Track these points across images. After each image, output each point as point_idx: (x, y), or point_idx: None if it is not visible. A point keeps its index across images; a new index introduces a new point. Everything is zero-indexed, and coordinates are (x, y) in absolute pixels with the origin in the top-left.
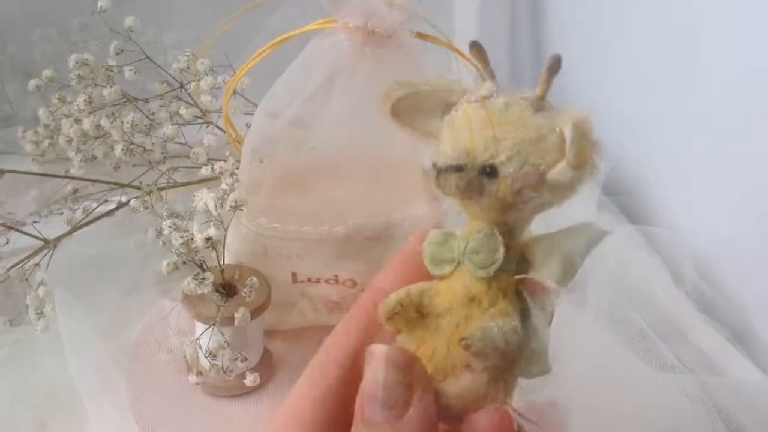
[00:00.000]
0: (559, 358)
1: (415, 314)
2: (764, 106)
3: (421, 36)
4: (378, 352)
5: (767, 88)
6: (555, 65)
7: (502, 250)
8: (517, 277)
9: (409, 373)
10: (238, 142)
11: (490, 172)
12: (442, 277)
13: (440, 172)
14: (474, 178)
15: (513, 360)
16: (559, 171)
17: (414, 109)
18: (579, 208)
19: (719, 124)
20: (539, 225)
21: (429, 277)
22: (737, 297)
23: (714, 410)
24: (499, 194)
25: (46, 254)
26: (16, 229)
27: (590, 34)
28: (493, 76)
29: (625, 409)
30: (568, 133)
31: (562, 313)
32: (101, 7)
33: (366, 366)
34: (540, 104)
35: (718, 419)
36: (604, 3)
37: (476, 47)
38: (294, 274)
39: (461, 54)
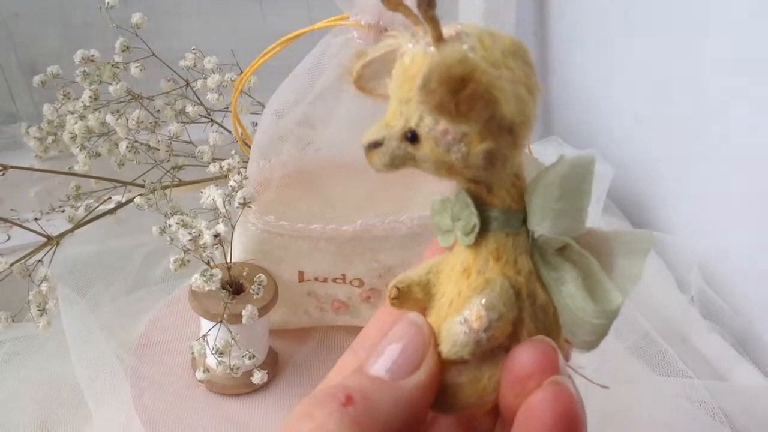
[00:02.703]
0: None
1: (422, 294)
2: None
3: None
4: (414, 318)
5: None
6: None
7: (475, 213)
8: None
9: (427, 347)
10: (246, 141)
11: (411, 137)
12: (450, 248)
13: (366, 151)
14: (396, 149)
15: (515, 327)
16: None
17: (375, 76)
18: None
19: (725, 130)
20: None
21: None
22: (742, 303)
23: (719, 415)
24: (431, 157)
25: (48, 251)
26: (19, 225)
27: (595, 36)
28: (418, 22)
29: (632, 412)
30: (416, 84)
31: None
32: (108, 3)
33: (371, 325)
34: (440, 45)
35: (722, 424)
36: (608, 5)
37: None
38: (301, 273)
39: None
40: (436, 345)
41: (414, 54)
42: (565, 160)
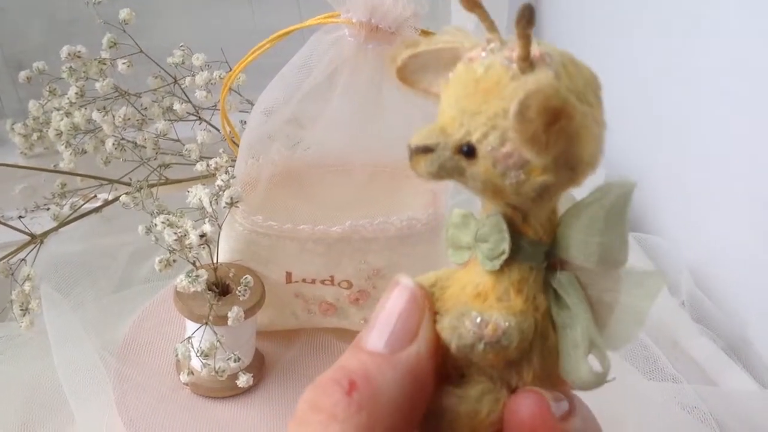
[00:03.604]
0: None
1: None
2: (764, 113)
3: (425, 33)
4: (405, 281)
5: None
6: (524, 15)
7: (507, 239)
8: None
9: (423, 312)
10: (234, 139)
11: (468, 151)
12: (462, 265)
13: (412, 153)
14: (447, 160)
15: (522, 364)
16: (525, 151)
17: (422, 70)
18: None
19: (717, 133)
20: None
21: None
22: (733, 307)
23: (709, 420)
24: (482, 177)
25: (32, 250)
26: (3, 223)
27: (588, 40)
28: (493, 29)
29: (622, 416)
30: (509, 114)
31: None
32: None
33: (385, 293)
34: (525, 66)
35: (713, 429)
36: (602, 6)
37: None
38: (289, 274)
39: None
40: (433, 311)
41: (489, 65)
42: (610, 190)
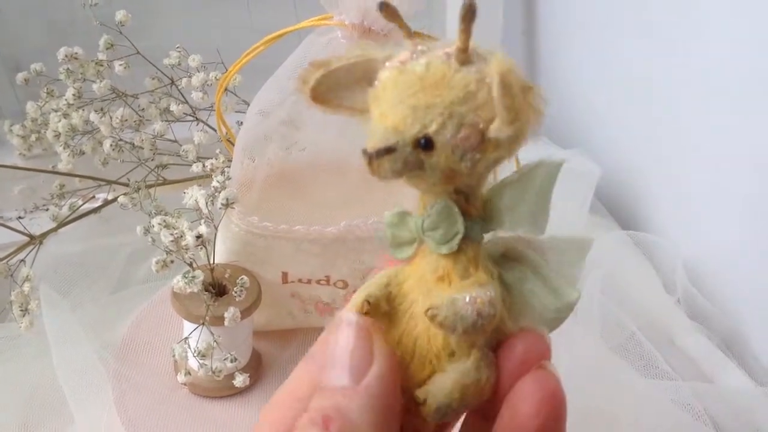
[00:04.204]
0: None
1: (388, 306)
2: (759, 113)
3: (418, 35)
4: (348, 318)
5: (763, 96)
6: (468, 12)
7: (461, 221)
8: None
9: (371, 337)
10: (230, 140)
11: (425, 144)
12: (406, 260)
13: (371, 158)
14: (408, 155)
15: (499, 334)
16: (497, 130)
17: (335, 87)
18: (571, 212)
19: (712, 131)
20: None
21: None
22: (728, 304)
23: (704, 417)
24: (441, 165)
25: (31, 250)
26: (2, 225)
27: (583, 39)
28: (410, 35)
29: (617, 414)
30: (494, 91)
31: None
32: (92, 0)
33: (332, 331)
34: (464, 57)
35: (707, 426)
36: (597, 5)
37: (385, 5)
38: (285, 274)
39: None
40: (380, 329)
41: (428, 63)
42: (540, 166)
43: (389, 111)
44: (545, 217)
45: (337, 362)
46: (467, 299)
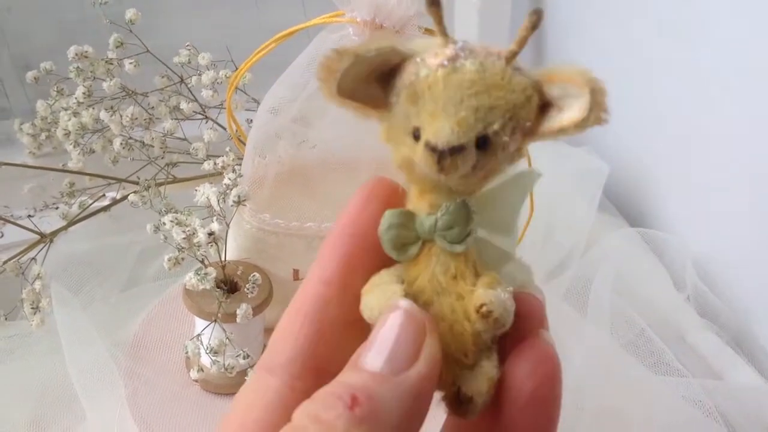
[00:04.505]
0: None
1: None
2: (766, 109)
3: (429, 32)
4: (403, 304)
5: None
6: (537, 21)
7: (474, 219)
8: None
9: (423, 335)
10: (240, 138)
11: (482, 144)
12: (407, 261)
13: (442, 155)
14: (473, 155)
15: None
16: (582, 121)
17: (358, 80)
18: (580, 210)
19: (721, 128)
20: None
21: (377, 251)
22: (738, 301)
23: (715, 414)
24: (490, 165)
25: (42, 249)
26: (13, 223)
27: (591, 35)
28: (446, 34)
29: (629, 410)
30: (585, 100)
31: (564, 316)
32: None
33: (383, 316)
34: (514, 62)
35: (718, 423)
36: (605, 3)
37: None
38: (296, 271)
39: None
40: (435, 331)
41: (481, 65)
42: (523, 175)
43: (444, 110)
44: (515, 224)
45: (378, 344)
46: (505, 293)
